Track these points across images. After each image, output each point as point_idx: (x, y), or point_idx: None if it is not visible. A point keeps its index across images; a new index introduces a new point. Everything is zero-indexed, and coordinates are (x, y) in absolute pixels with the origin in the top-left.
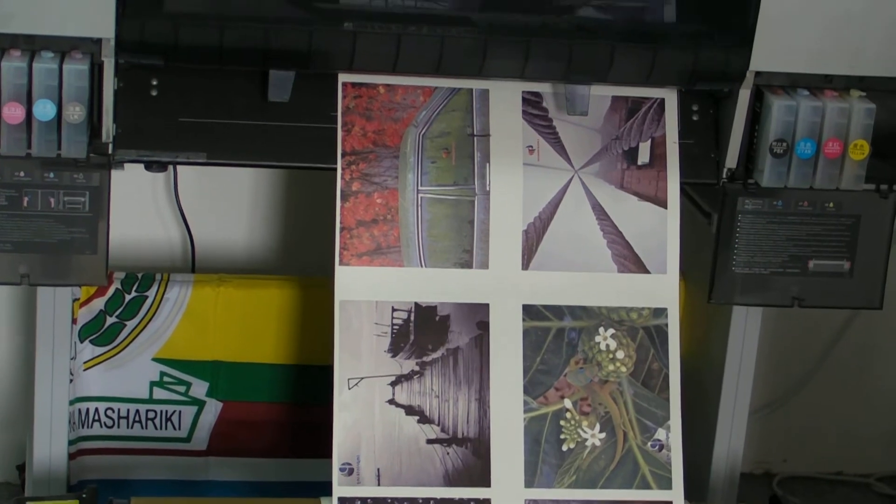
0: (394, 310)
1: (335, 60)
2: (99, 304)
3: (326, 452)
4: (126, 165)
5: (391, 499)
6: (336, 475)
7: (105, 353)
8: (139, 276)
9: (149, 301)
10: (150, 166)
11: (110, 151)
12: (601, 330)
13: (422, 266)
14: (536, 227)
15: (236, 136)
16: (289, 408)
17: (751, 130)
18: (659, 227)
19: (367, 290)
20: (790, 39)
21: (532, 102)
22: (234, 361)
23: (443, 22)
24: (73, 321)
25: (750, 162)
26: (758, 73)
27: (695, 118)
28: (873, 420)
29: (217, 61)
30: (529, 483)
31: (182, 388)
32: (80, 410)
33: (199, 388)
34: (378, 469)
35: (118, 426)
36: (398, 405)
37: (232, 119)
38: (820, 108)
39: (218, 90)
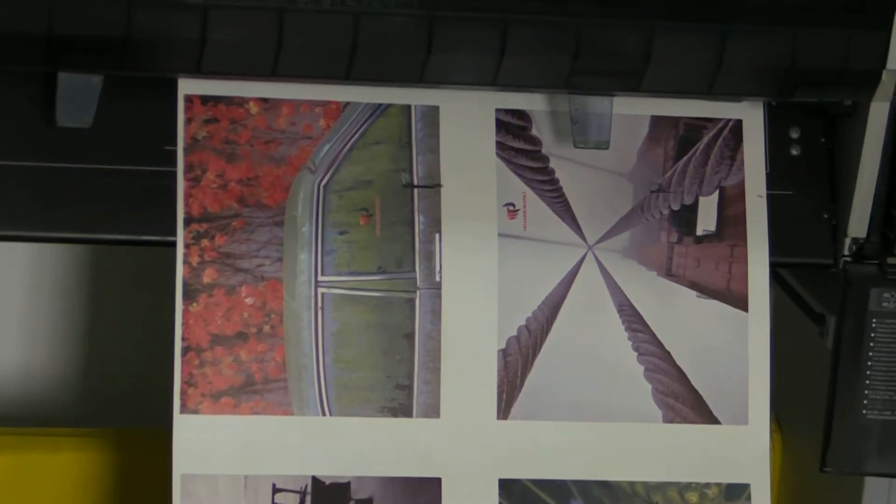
0: (276, 490)
1: (173, 56)
2: None
3: None
4: None
5: None
6: None
7: None
8: None
9: None
10: None
11: None
12: None
13: (324, 413)
14: (522, 344)
15: (4, 191)
16: None
17: (891, 173)
18: (735, 343)
19: (228, 457)
20: None
21: (513, 128)
22: None
23: None
24: None
25: (891, 228)
26: None
27: (794, 153)
28: None
29: None
30: None
31: None
32: None
33: None
34: None
35: None
36: None
37: None
38: None
39: None
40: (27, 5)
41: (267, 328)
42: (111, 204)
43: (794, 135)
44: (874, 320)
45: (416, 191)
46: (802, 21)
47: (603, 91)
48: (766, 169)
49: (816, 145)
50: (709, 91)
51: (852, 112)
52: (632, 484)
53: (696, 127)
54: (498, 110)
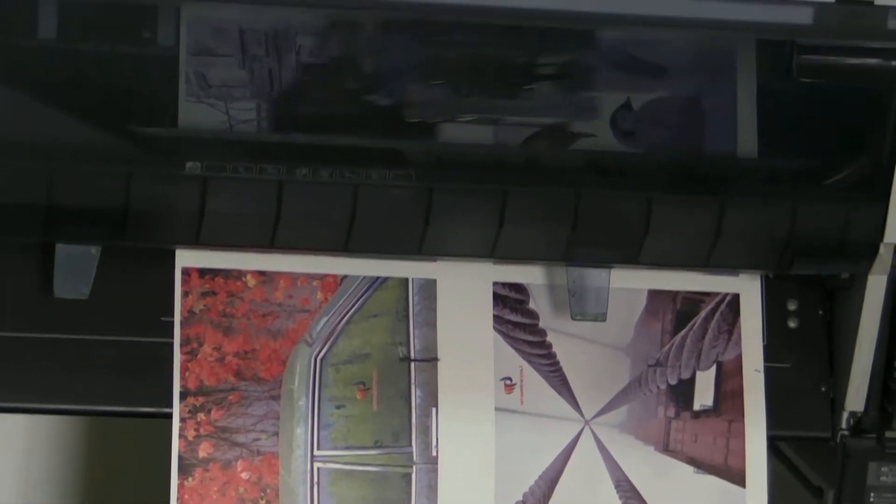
0: None
1: (170, 228)
2: None
3: None
4: None
5: None
6: None
7: None
8: None
9: None
10: None
11: None
12: None
13: None
14: None
15: None
16: None
17: (890, 345)
18: None
19: None
20: None
21: (510, 301)
22: None
23: (356, 159)
24: None
25: (889, 401)
26: None
27: (792, 325)
28: None
29: None
30: None
31: None
32: None
33: None
34: None
35: None
36: None
37: None
38: None
39: None
40: (27, 177)
41: (262, 503)
42: (107, 375)
43: (792, 307)
44: (872, 494)
45: (412, 364)
46: (800, 194)
47: (601, 263)
48: (764, 341)
49: (814, 317)
50: (706, 263)
51: (850, 284)
52: None
53: (693, 301)
54: (495, 283)
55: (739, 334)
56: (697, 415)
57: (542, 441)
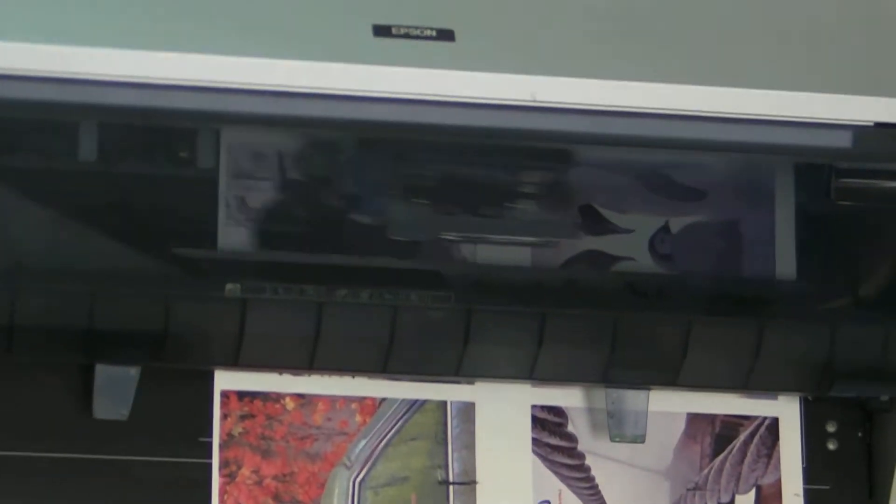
0: None
1: (209, 350)
2: None
3: None
4: None
5: None
6: None
7: None
8: None
9: None
10: None
11: None
12: None
13: None
14: None
15: (39, 481)
16: None
17: None
18: None
19: None
20: None
21: (549, 425)
22: None
23: (395, 281)
24: None
25: None
26: None
27: (831, 447)
28: None
29: (4, 348)
30: None
31: None
32: None
33: None
34: None
35: None
36: None
37: (31, 451)
38: None
39: (7, 400)
40: (67, 299)
41: None
42: (146, 496)
43: (831, 429)
44: None
45: (451, 487)
46: (839, 316)
47: (640, 385)
48: (803, 463)
49: (853, 440)
50: (745, 386)
51: (890, 407)
52: None
53: (732, 424)
54: (534, 406)
55: (779, 458)
56: None
57: None
